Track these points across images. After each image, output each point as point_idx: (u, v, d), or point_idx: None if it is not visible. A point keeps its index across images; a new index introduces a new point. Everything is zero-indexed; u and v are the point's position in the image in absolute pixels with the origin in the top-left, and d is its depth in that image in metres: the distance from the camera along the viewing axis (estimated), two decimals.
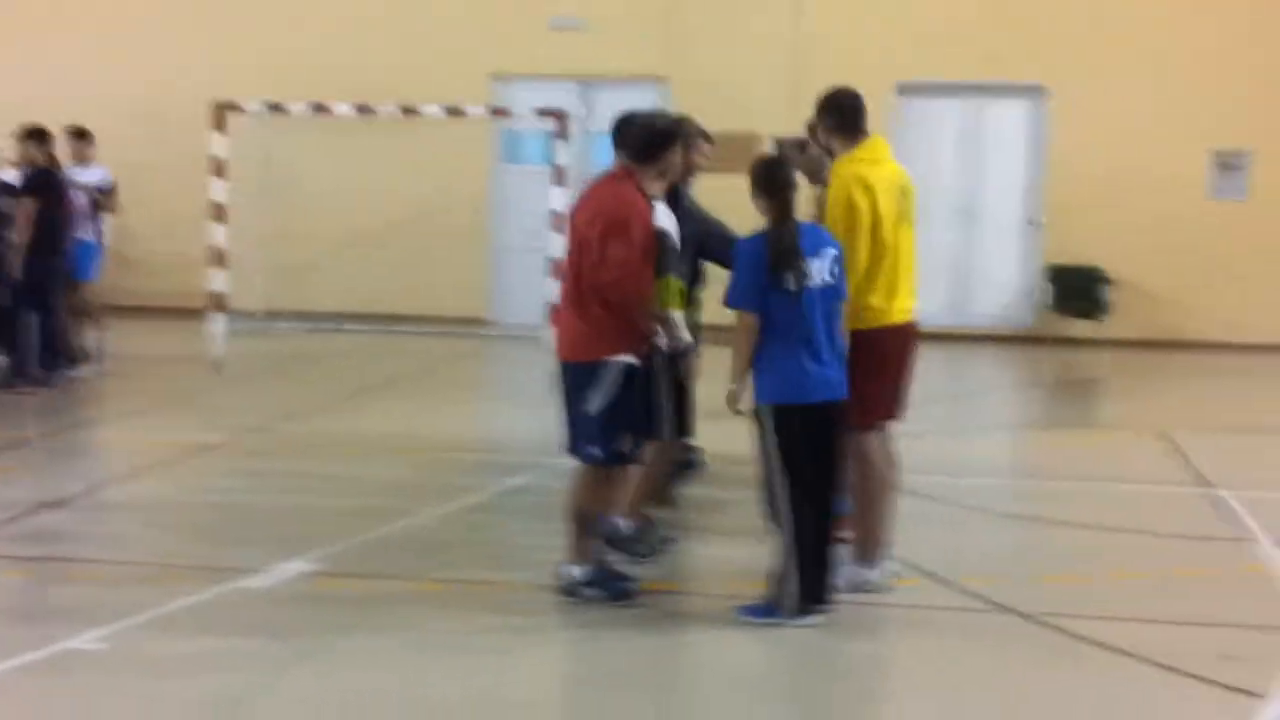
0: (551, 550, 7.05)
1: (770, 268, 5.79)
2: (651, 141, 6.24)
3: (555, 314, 6.42)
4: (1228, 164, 15.79)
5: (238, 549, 7.10)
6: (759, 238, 5.90)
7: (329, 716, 5.00)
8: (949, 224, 16.18)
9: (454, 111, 15.42)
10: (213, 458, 9.29)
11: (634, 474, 6.48)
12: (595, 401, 6.08)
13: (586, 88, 16.50)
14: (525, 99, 16.11)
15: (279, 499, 8.25)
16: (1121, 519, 7.96)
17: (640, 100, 16.46)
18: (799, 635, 5.81)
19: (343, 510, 7.92)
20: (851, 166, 6.29)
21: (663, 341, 6.28)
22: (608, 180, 6.29)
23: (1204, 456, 9.67)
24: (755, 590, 6.09)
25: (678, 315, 6.36)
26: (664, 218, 6.40)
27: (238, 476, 8.81)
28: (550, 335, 14.27)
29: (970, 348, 15.36)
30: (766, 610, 5.96)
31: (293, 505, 8.10)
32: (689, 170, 7.43)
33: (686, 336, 6.44)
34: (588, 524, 6.26)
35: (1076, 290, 15.64)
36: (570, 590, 6.28)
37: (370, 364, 13.76)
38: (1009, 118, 16.22)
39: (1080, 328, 15.72)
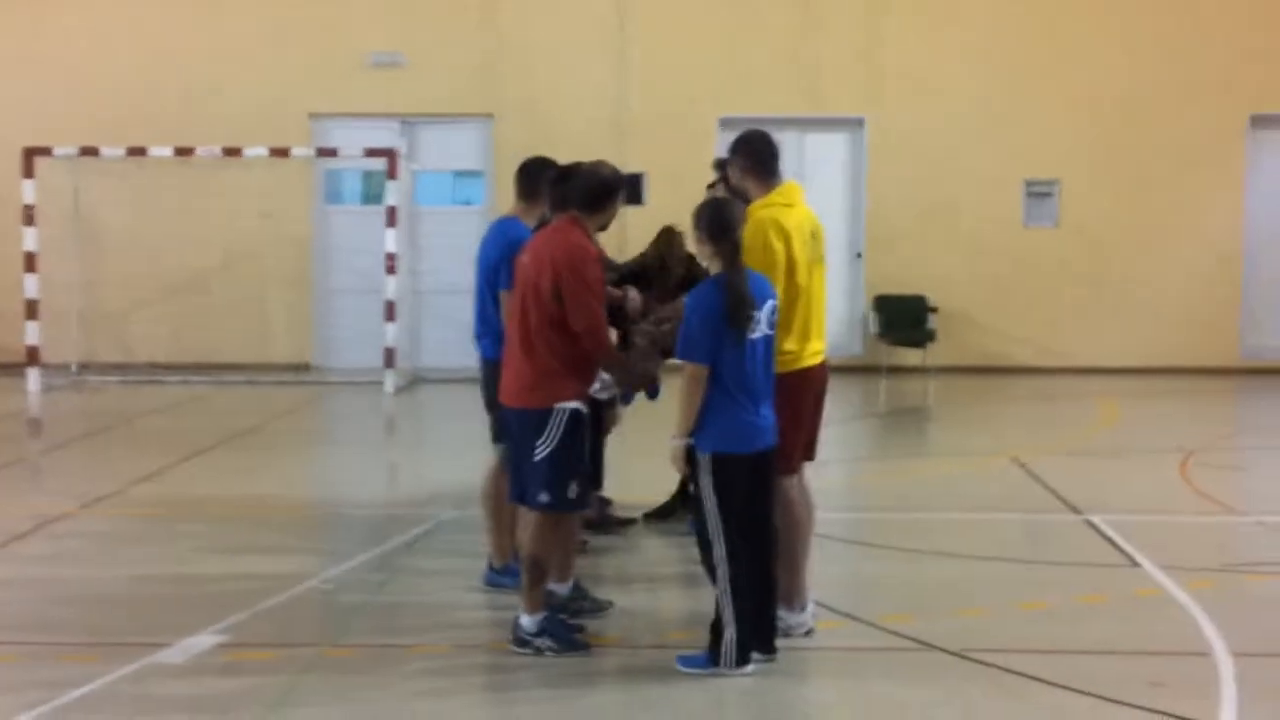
0: (464, 608, 6.99)
1: (726, 318, 5.78)
2: (599, 192, 6.29)
3: (506, 359, 6.34)
4: (1039, 192, 16.50)
5: (138, 623, 6.80)
6: (711, 286, 5.87)
7: None
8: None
9: (279, 152, 15.10)
10: (74, 525, 8.85)
11: (575, 522, 6.44)
12: (545, 448, 6.04)
13: (409, 125, 16.32)
14: (347, 138, 15.87)
15: (161, 568, 7.89)
16: (1003, 548, 8.20)
17: (463, 137, 16.40)
18: (743, 684, 5.83)
19: (233, 577, 7.63)
20: (767, 211, 6.32)
21: (598, 388, 6.27)
22: (557, 229, 6.29)
23: (1060, 481, 10.03)
24: (694, 640, 6.09)
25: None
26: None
27: (108, 545, 8.40)
28: (389, 379, 14.23)
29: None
30: (706, 660, 5.96)
31: (178, 574, 7.76)
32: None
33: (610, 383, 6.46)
34: (540, 573, 6.19)
35: (902, 319, 16.09)
36: (524, 641, 6.20)
37: (201, 419, 13.29)
38: (829, 150, 16.61)
39: (907, 356, 16.18)
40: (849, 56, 16.29)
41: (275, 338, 16.19)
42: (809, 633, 6.43)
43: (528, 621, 6.23)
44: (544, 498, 6.13)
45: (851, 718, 5.67)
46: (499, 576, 7.21)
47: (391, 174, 14.83)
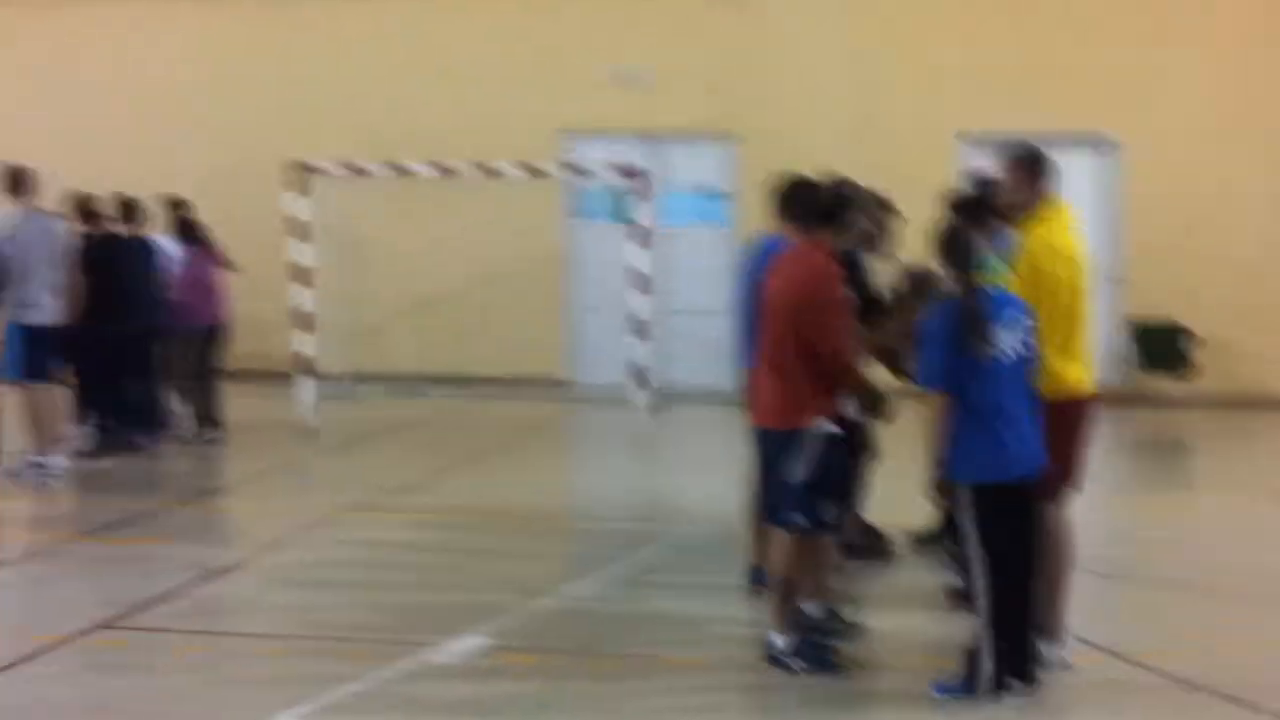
0: (718, 623, 7.10)
1: (960, 340, 5.73)
2: (836, 207, 6.36)
3: (753, 380, 6.45)
4: None
5: (406, 621, 7.15)
6: (945, 310, 5.85)
7: None
8: None
9: (531, 169, 15.51)
10: (345, 528, 9.30)
11: (830, 543, 6.48)
12: (798, 470, 6.11)
13: (655, 144, 16.56)
14: (594, 155, 16.16)
15: (424, 572, 8.26)
16: (1275, 587, 7.91)
17: (709, 157, 16.59)
18: (997, 715, 5.79)
19: (494, 582, 7.93)
20: (1041, 229, 6.24)
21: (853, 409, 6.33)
22: (801, 249, 6.36)
23: None
24: (945, 665, 6.08)
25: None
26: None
27: (375, 549, 8.82)
28: (638, 394, 14.48)
29: None
30: (961, 688, 5.94)
31: (440, 578, 8.11)
32: (867, 239, 7.49)
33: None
34: (792, 593, 6.27)
35: (1162, 347, 15.60)
36: (776, 660, 6.28)
37: (459, 430, 13.76)
38: (1077, 170, 16.22)
39: (1167, 386, 15.65)
40: (1097, 71, 15.87)
41: (527, 352, 16.58)
42: (1066, 667, 6.34)
43: (780, 640, 6.31)
44: (797, 519, 6.20)
45: None
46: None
47: (640, 193, 15.08)
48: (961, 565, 5.96)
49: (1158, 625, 7.25)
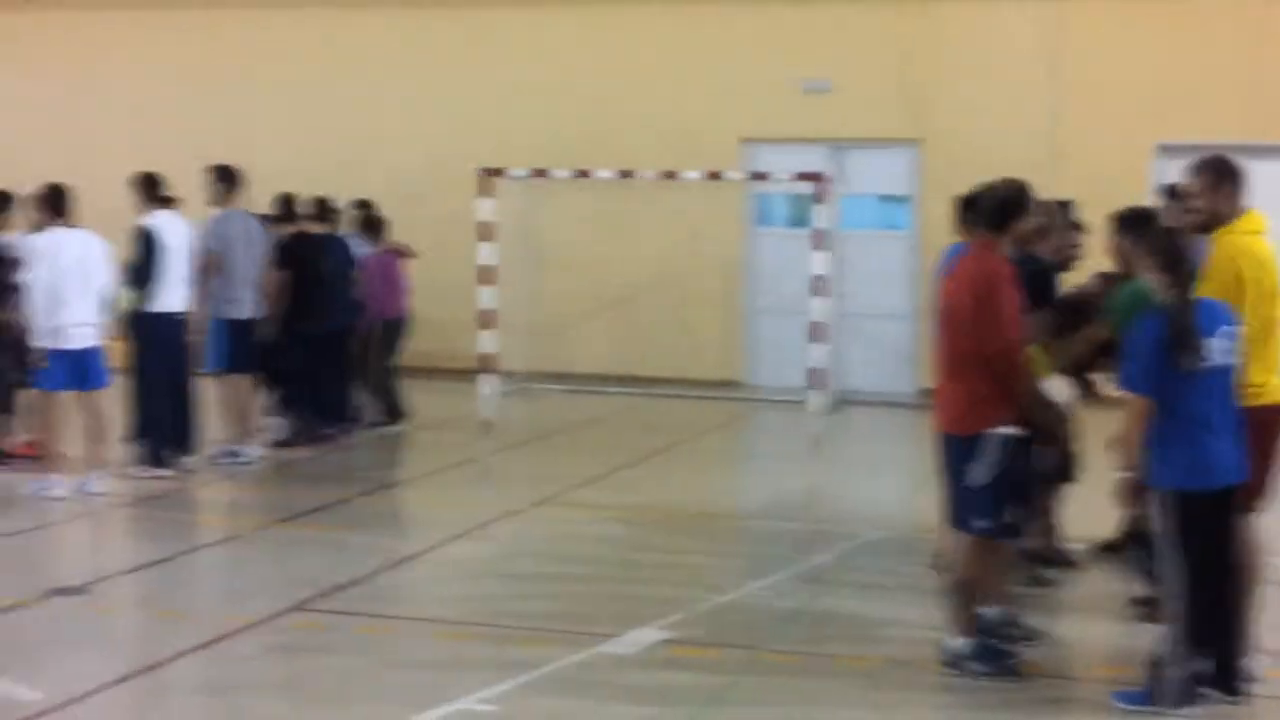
0: (894, 624, 7.11)
1: (1169, 349, 5.70)
2: (1003, 209, 6.33)
3: (937, 385, 6.47)
4: None
5: (583, 613, 7.33)
6: (1157, 318, 5.82)
7: None
8: None
9: (712, 175, 15.65)
10: (523, 523, 9.52)
11: (1010, 549, 6.45)
12: (980, 474, 6.11)
13: (836, 150, 16.55)
14: (775, 162, 16.22)
15: (605, 566, 8.43)
16: None
17: (892, 164, 16.52)
18: None
19: (673, 578, 8.07)
20: (1239, 238, 6.19)
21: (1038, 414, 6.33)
22: (972, 252, 6.40)
23: None
24: (1129, 674, 6.00)
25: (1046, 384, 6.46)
26: None
27: (555, 542, 9.02)
28: (815, 399, 14.50)
29: None
30: (1145, 697, 5.87)
31: (621, 573, 8.26)
32: (1061, 255, 7.49)
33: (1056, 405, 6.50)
34: (972, 596, 6.27)
35: None
36: (953, 663, 6.29)
37: (637, 428, 13.93)
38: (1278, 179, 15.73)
39: None
40: None
41: (704, 354, 16.71)
42: (1255, 679, 6.20)
43: (959, 644, 6.31)
44: (980, 523, 6.20)
45: None
46: None
47: (819, 198, 15.10)
48: (1153, 573, 5.88)
49: None
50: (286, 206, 12.26)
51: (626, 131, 16.68)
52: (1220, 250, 6.11)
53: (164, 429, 10.59)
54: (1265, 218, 6.37)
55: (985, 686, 6.18)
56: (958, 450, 6.23)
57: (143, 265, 10.40)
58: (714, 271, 16.73)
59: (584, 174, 15.81)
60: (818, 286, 15.16)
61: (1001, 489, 6.13)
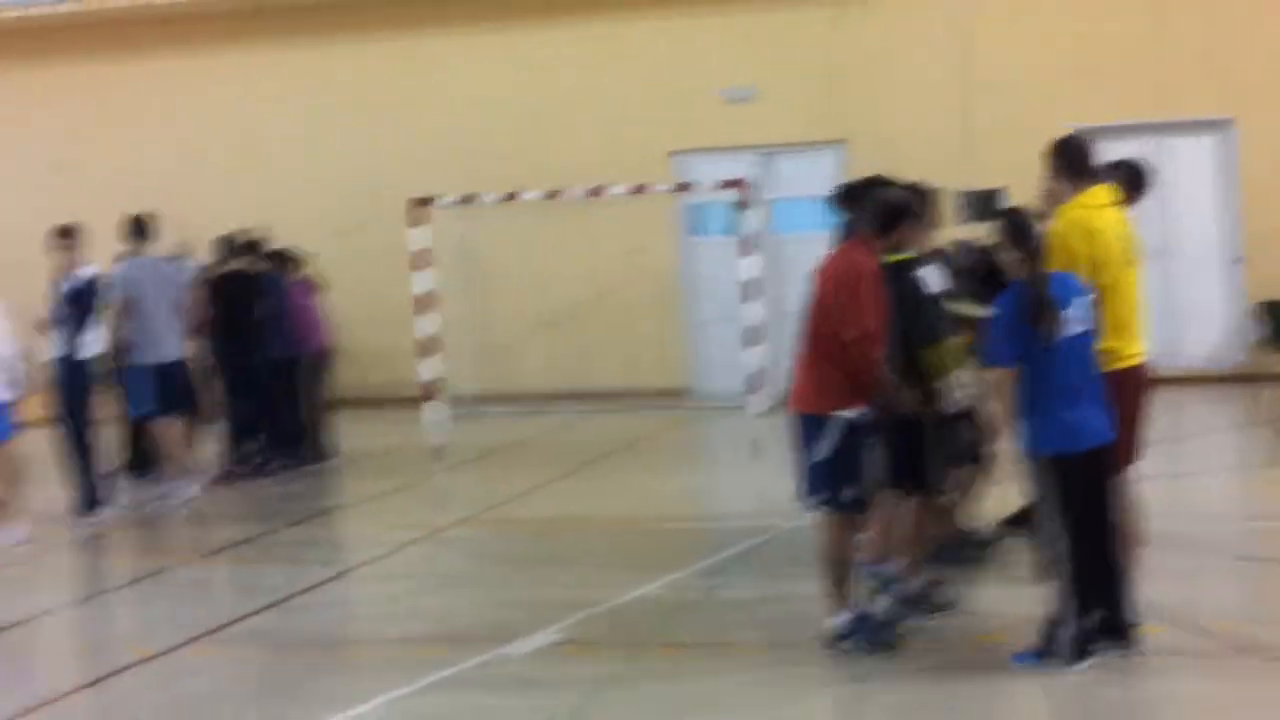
0: (795, 607, 7.22)
1: (1028, 321, 5.92)
2: (892, 214, 6.59)
3: (795, 369, 6.68)
4: None
5: (489, 620, 7.47)
6: (1013, 292, 6.05)
7: None
8: (1147, 267, 15.98)
9: (638, 189, 15.83)
10: (440, 541, 9.69)
11: (896, 522, 6.65)
12: (821, 451, 6.35)
13: (766, 156, 16.74)
14: (706, 172, 16.41)
15: (510, 576, 8.60)
16: None
17: (819, 164, 16.71)
18: (1054, 681, 5.89)
19: (577, 583, 8.22)
20: (1077, 212, 6.41)
21: (945, 403, 6.62)
22: (844, 249, 6.65)
23: None
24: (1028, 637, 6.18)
25: (957, 377, 6.70)
26: (934, 281, 6.79)
27: (469, 558, 9.21)
28: (753, 403, 14.65)
29: (1182, 390, 15.10)
30: (1037, 656, 6.07)
31: (525, 582, 8.41)
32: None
33: (959, 398, 6.73)
34: (840, 572, 6.45)
35: None
36: (834, 639, 6.46)
37: (576, 443, 14.07)
38: (1193, 154, 15.96)
39: None
40: (1209, 54, 15.61)
41: (648, 365, 16.85)
42: (1141, 635, 6.34)
43: (836, 621, 6.47)
44: (820, 497, 6.44)
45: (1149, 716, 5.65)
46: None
47: (744, 204, 15.29)
48: (1040, 536, 6.08)
49: (1233, 597, 7.31)
50: (228, 246, 12.51)
51: (556, 149, 16.86)
52: (1055, 226, 6.34)
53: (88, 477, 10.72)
54: (1111, 191, 6.59)
55: (886, 661, 6.31)
56: (805, 429, 6.45)
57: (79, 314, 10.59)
58: (652, 283, 16.90)
59: (512, 196, 15.99)
60: (749, 291, 15.32)
61: (839, 468, 6.35)
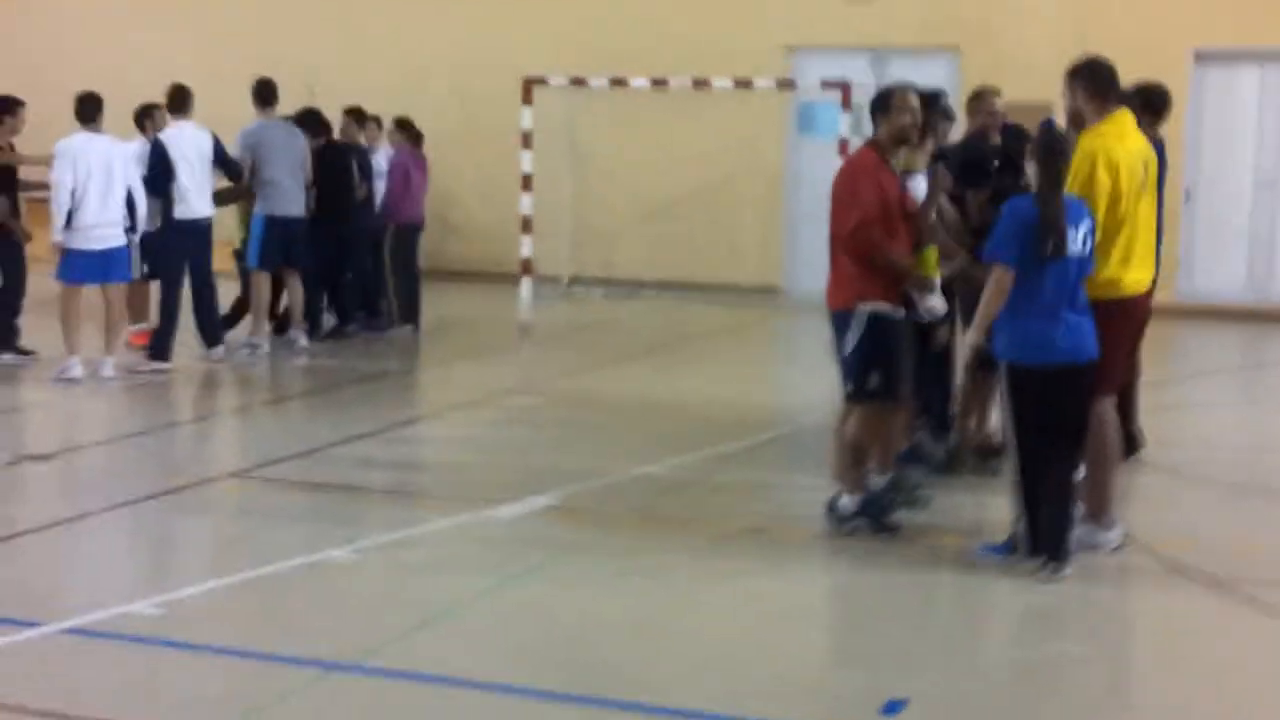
0: (791, 492, 7.67)
1: (1035, 233, 6.07)
2: (871, 108, 6.83)
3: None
4: None
5: (492, 481, 7.95)
6: (1029, 202, 6.18)
7: (520, 624, 5.73)
8: (1251, 198, 15.75)
9: (742, 84, 15.97)
10: (482, 408, 10.20)
11: (897, 415, 7.01)
12: (848, 344, 6.71)
13: (878, 58, 16.70)
14: (818, 70, 16.43)
15: (527, 445, 9.07)
16: None
17: (932, 70, 16.61)
18: (1008, 571, 6.27)
19: (586, 457, 8.60)
20: (1098, 140, 6.44)
21: (921, 308, 6.90)
22: (854, 154, 6.99)
23: None
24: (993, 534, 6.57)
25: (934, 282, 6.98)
26: (921, 189, 7.03)
27: (498, 425, 9.75)
28: None
29: (1273, 325, 14.94)
30: (1000, 549, 6.43)
31: (539, 451, 8.85)
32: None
33: (939, 305, 7.02)
34: (857, 456, 6.85)
35: None
36: (837, 521, 6.88)
37: (661, 329, 14.41)
38: None
39: None
40: None
41: (745, 262, 17.05)
42: (1117, 549, 6.62)
43: (846, 501, 6.88)
44: (848, 387, 6.79)
45: (1041, 615, 6.02)
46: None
47: (847, 105, 15.36)
48: (1005, 437, 6.36)
49: (1188, 519, 7.46)
50: (315, 118, 13.05)
51: (666, 41, 16.95)
52: (1080, 149, 6.38)
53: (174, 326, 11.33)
54: (1131, 117, 6.61)
55: (863, 543, 6.70)
56: (835, 324, 6.81)
57: (157, 176, 11.22)
58: (755, 180, 17.05)
59: (621, 82, 16.24)
60: None
61: (865, 358, 6.68)
